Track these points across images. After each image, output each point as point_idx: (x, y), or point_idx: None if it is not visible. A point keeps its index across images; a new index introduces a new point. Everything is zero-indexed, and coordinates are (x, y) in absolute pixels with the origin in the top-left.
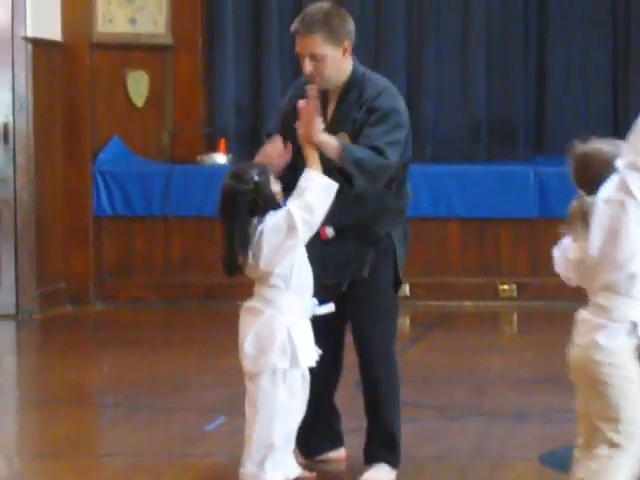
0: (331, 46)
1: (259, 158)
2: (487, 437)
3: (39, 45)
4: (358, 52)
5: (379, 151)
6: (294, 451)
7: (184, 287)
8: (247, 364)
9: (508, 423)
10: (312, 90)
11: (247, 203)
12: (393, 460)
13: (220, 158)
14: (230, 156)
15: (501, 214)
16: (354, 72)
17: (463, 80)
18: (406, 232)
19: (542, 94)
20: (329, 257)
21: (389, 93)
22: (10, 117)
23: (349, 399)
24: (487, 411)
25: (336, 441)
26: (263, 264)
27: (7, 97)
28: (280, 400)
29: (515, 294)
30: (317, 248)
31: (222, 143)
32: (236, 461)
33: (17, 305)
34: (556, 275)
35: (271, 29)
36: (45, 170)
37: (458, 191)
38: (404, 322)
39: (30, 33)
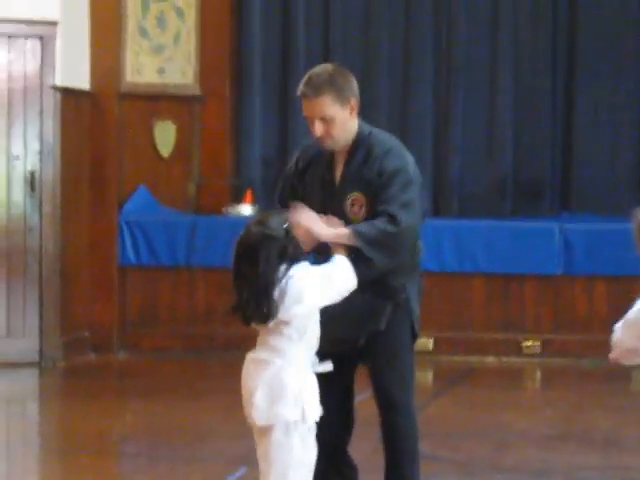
0: (339, 106)
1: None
2: None
3: (68, 94)
4: (386, 109)
5: (392, 219)
6: None
7: (208, 337)
8: (258, 417)
9: None
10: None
11: (277, 250)
12: None
13: (246, 209)
14: (256, 207)
15: (526, 270)
16: (360, 131)
17: (489, 136)
18: (420, 287)
19: (569, 150)
20: (348, 311)
21: (396, 152)
22: (37, 166)
23: (369, 453)
24: (508, 467)
25: None
26: (288, 312)
27: (35, 145)
28: (294, 452)
29: (539, 350)
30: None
31: (249, 194)
32: None
33: (41, 352)
34: (579, 332)
35: (298, 82)
36: (71, 219)
37: (483, 246)
38: (427, 376)
39: (59, 82)
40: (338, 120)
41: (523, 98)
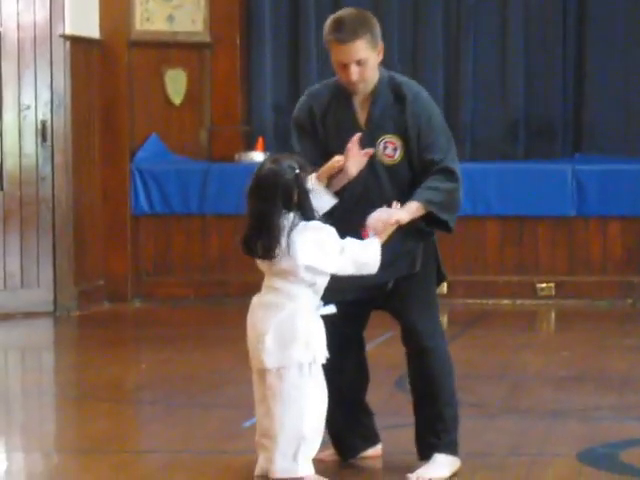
0: (372, 50)
1: (324, 173)
2: (525, 435)
3: (77, 43)
4: (397, 54)
5: (450, 174)
6: (331, 452)
7: (222, 285)
8: (269, 360)
9: (546, 421)
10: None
11: (285, 191)
12: (449, 450)
13: (258, 156)
14: (268, 154)
15: (539, 212)
16: (381, 74)
17: (501, 79)
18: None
19: (581, 92)
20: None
21: (426, 96)
22: (48, 115)
23: (385, 398)
24: (525, 409)
25: (371, 438)
26: (291, 265)
27: (46, 95)
28: (309, 392)
29: (553, 292)
30: None
31: (260, 141)
32: None
33: (55, 302)
34: (594, 273)
35: (309, 27)
36: (83, 168)
37: (496, 189)
38: (442, 320)
39: (68, 31)
40: (371, 63)
41: (534, 41)
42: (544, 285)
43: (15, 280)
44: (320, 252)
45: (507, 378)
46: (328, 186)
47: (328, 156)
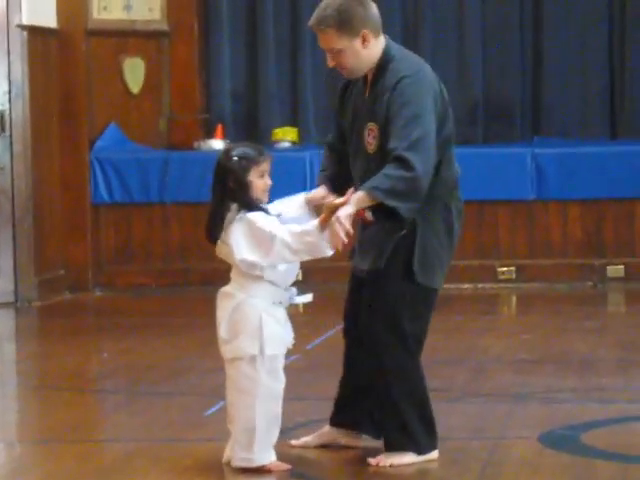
0: (347, 38)
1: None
2: (487, 418)
3: (34, 32)
4: None
5: (403, 163)
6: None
7: (183, 273)
8: (223, 349)
9: (507, 404)
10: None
11: (220, 180)
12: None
13: (217, 144)
14: (227, 142)
15: (499, 196)
16: (384, 55)
17: (459, 62)
18: (446, 219)
19: (538, 75)
20: (362, 243)
21: (410, 79)
22: (6, 105)
23: None
24: (486, 392)
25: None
26: (230, 257)
27: (3, 85)
28: (262, 383)
29: (514, 276)
30: (359, 230)
31: (219, 129)
32: None
33: (16, 293)
34: (554, 257)
35: (267, 15)
36: (42, 158)
37: None
38: None
39: (25, 20)
40: (349, 52)
41: (492, 24)
42: (505, 269)
43: None
44: (251, 245)
45: (469, 362)
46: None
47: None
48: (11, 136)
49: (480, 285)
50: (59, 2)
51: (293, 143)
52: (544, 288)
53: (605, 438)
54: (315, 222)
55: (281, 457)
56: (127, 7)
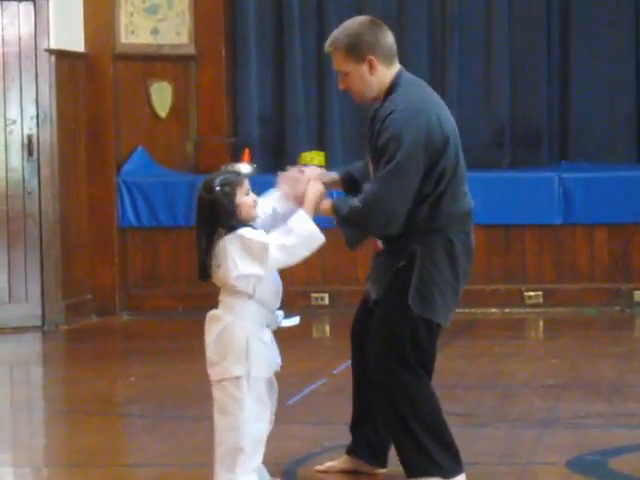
0: (354, 62)
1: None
2: (514, 443)
3: (62, 57)
4: None
5: (363, 194)
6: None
7: (210, 297)
8: (210, 372)
9: (535, 429)
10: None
11: (206, 212)
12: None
13: (244, 168)
14: (254, 166)
15: (526, 221)
16: (390, 86)
17: (486, 87)
18: (448, 252)
19: (566, 99)
20: (372, 270)
21: (395, 116)
22: (34, 129)
23: None
24: (514, 417)
25: (379, 460)
26: (226, 278)
27: (31, 110)
28: (247, 405)
29: (541, 300)
30: (375, 257)
31: (246, 153)
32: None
33: (43, 316)
34: (581, 281)
35: (293, 39)
36: (69, 182)
37: (482, 198)
38: None
39: (53, 45)
40: (355, 76)
41: (519, 49)
42: (532, 293)
43: (3, 295)
44: (247, 258)
45: (496, 387)
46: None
47: None
48: (39, 160)
49: (507, 310)
50: (87, 26)
51: (320, 167)
52: (571, 312)
53: (633, 463)
54: (300, 211)
55: None
56: (154, 31)
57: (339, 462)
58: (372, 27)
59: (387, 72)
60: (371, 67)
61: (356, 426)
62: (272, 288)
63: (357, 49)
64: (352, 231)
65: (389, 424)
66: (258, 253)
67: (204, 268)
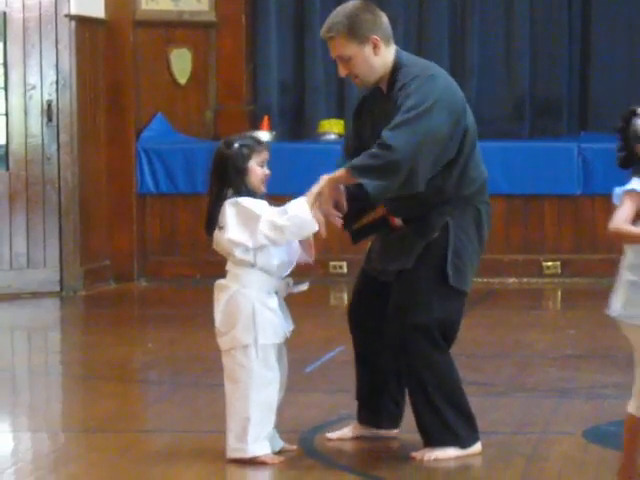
0: (356, 45)
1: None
2: (531, 413)
3: (82, 23)
4: (402, 33)
5: (382, 141)
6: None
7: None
8: (219, 341)
9: (552, 399)
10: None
11: (220, 168)
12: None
13: (264, 135)
14: (274, 133)
15: (545, 191)
16: (396, 64)
17: (506, 57)
18: (478, 220)
19: (586, 70)
20: (388, 245)
21: (416, 80)
22: (54, 95)
23: None
24: (531, 387)
25: (398, 420)
26: (222, 243)
27: (51, 75)
28: (255, 373)
29: (559, 271)
30: (384, 233)
31: (265, 120)
32: (282, 437)
33: (61, 282)
34: (600, 252)
35: (314, 6)
36: (89, 148)
37: (502, 168)
38: None
39: (74, 11)
40: (359, 59)
41: (540, 19)
42: (550, 263)
43: (21, 260)
44: (239, 225)
45: (513, 357)
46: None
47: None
48: (58, 126)
49: (525, 280)
50: None
51: (339, 135)
52: (589, 283)
53: None
54: (301, 197)
55: (322, 449)
56: None
57: (350, 430)
58: (369, 7)
59: (388, 52)
60: (375, 47)
61: (366, 398)
62: (278, 257)
63: (359, 30)
64: (373, 178)
65: (410, 393)
66: (250, 223)
67: (211, 221)
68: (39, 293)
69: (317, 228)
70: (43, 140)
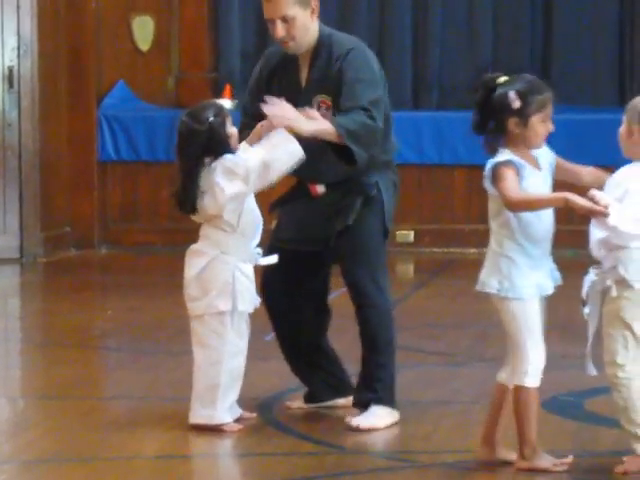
0: (300, 7)
1: (251, 140)
2: (491, 382)
3: None
4: (365, 1)
5: (367, 112)
6: (298, 398)
7: (188, 232)
8: (193, 307)
9: None
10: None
11: (200, 143)
12: (385, 401)
13: (225, 103)
14: (235, 101)
15: None
16: (321, 33)
17: (469, 27)
18: (395, 183)
19: (549, 40)
20: (317, 211)
21: (358, 51)
22: (15, 61)
23: (349, 345)
24: (491, 357)
25: (340, 389)
26: (212, 205)
27: (12, 41)
28: (229, 340)
29: None
30: (303, 203)
31: (227, 88)
32: (241, 405)
33: (22, 249)
34: (560, 222)
35: None
36: (50, 115)
37: (463, 138)
38: (408, 268)
39: None
40: (299, 21)
41: None
42: None
43: None
44: (230, 178)
45: (473, 327)
46: None
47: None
48: (19, 92)
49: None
50: None
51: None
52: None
53: (608, 404)
54: (280, 130)
55: (280, 417)
56: None
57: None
58: None
59: (316, 21)
60: (313, 12)
61: (299, 375)
62: (252, 221)
63: None
64: (360, 147)
65: (376, 349)
66: (241, 172)
67: (192, 199)
68: None
69: (303, 154)
70: (4, 106)
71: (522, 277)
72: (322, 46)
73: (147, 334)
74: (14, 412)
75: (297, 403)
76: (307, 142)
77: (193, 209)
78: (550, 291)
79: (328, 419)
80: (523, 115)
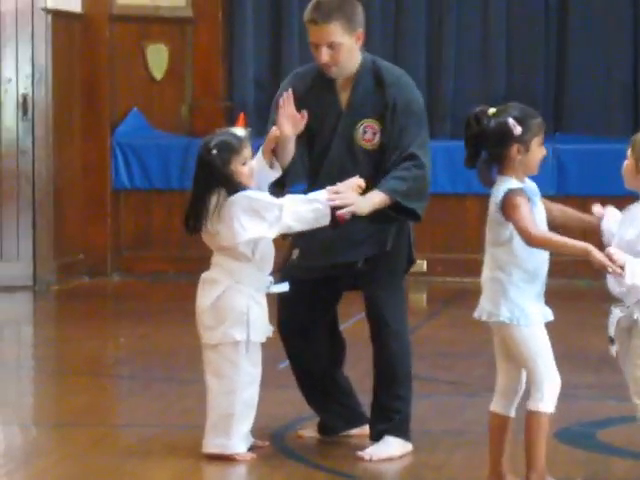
0: (347, 34)
1: (266, 146)
2: None
3: (59, 17)
4: (380, 30)
5: (415, 161)
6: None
7: (201, 261)
8: (208, 336)
9: (523, 400)
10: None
11: (206, 171)
12: (401, 432)
13: (239, 132)
14: (249, 130)
15: None
16: (364, 60)
17: (483, 57)
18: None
19: (562, 71)
20: (341, 237)
21: (406, 81)
22: (29, 89)
23: (363, 374)
24: None
25: (353, 420)
26: (228, 238)
27: (27, 69)
28: (243, 369)
29: None
30: (323, 230)
31: (241, 117)
32: (254, 434)
33: (35, 276)
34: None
35: (291, 3)
36: (64, 142)
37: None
38: (421, 298)
39: (50, 5)
40: (345, 48)
41: (516, 19)
42: None
43: None
44: (254, 219)
45: (486, 356)
46: (276, 158)
47: (309, 139)
48: (33, 120)
49: None
50: None
51: None
52: (563, 284)
53: (621, 435)
54: (324, 194)
55: (293, 446)
56: None
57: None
58: (357, 2)
59: (360, 49)
60: (358, 40)
61: (321, 408)
62: (267, 252)
63: (352, 22)
64: (418, 201)
65: (395, 378)
66: (268, 213)
67: (197, 216)
68: (12, 287)
69: (328, 223)
70: (18, 134)
71: (531, 304)
72: (366, 70)
73: (159, 362)
74: (26, 440)
75: (310, 432)
76: (340, 168)
77: (196, 230)
78: (551, 318)
79: (341, 448)
80: (524, 140)
